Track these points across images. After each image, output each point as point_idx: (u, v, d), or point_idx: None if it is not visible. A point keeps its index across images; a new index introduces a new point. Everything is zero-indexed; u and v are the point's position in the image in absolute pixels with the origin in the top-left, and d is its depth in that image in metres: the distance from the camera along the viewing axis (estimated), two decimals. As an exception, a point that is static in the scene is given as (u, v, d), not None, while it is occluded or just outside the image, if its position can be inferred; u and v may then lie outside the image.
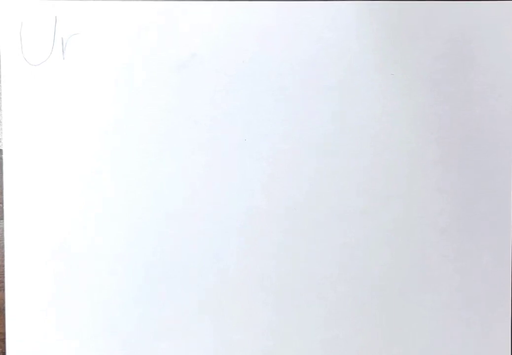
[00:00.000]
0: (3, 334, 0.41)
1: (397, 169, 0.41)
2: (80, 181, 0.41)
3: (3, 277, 0.41)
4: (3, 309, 0.41)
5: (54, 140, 0.41)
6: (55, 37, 0.41)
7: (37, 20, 0.41)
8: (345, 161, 0.41)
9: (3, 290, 0.41)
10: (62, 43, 0.41)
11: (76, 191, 0.41)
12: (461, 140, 0.42)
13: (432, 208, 0.41)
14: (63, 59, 0.41)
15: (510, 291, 0.41)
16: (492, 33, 0.41)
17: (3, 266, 0.41)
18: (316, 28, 0.41)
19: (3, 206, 0.41)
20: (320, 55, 0.41)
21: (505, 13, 0.41)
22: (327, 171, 0.41)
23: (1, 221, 0.41)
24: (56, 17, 0.41)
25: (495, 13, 0.41)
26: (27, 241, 0.41)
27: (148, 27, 0.41)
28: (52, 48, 0.41)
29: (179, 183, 0.41)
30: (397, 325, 0.42)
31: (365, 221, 0.41)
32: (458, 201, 0.41)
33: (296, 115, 0.41)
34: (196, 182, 0.41)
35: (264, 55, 0.41)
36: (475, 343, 0.42)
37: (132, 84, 0.41)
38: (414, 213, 0.41)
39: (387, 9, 0.41)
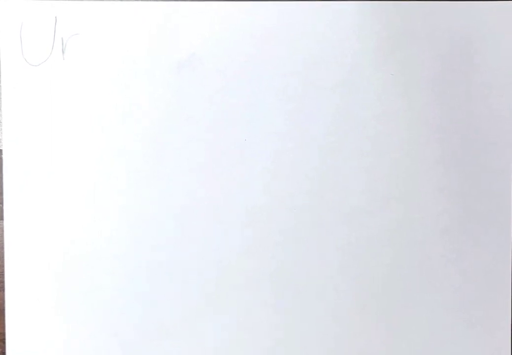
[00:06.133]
0: (3, 334, 0.41)
1: (398, 169, 0.41)
2: (79, 181, 0.41)
3: (3, 277, 0.41)
4: (3, 309, 0.41)
5: (54, 140, 0.41)
6: (55, 38, 0.41)
7: (37, 20, 0.41)
8: (346, 161, 0.41)
9: (3, 290, 0.41)
10: (62, 44, 0.41)
11: (76, 191, 0.41)
12: (461, 140, 0.42)
13: (433, 208, 0.41)
14: (63, 59, 0.41)
15: (510, 291, 0.41)
16: (492, 33, 0.41)
17: (3, 266, 0.41)
18: (317, 28, 0.41)
19: (3, 206, 0.41)
20: (321, 55, 0.41)
21: (506, 13, 0.41)
22: (328, 171, 0.41)
23: (1, 221, 0.41)
24: (56, 17, 0.41)
25: (495, 14, 0.41)
26: (27, 241, 0.41)
27: (148, 27, 0.41)
28: (52, 48, 0.41)
29: (180, 183, 0.41)
30: (398, 325, 0.41)
31: (366, 221, 0.41)
32: (459, 201, 0.41)
33: (297, 115, 0.41)
34: (197, 182, 0.41)
35: (266, 55, 0.41)
36: (475, 343, 0.42)
37: (132, 84, 0.41)
38: (414, 213, 0.41)
39: (388, 10, 0.41)
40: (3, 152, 0.41)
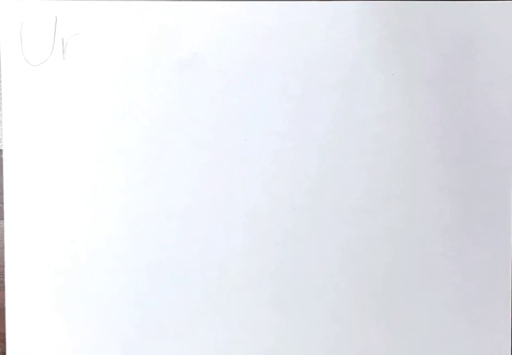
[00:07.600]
0: (3, 334, 0.41)
1: (399, 167, 0.41)
2: (80, 181, 0.41)
3: (3, 277, 0.41)
4: (3, 309, 0.41)
5: (54, 140, 0.41)
6: (55, 37, 0.41)
7: (37, 20, 0.41)
8: (347, 160, 0.41)
9: (3, 290, 0.41)
10: (63, 43, 0.41)
11: (76, 191, 0.41)
12: (462, 139, 0.41)
13: (433, 206, 0.41)
14: (63, 59, 0.41)
15: (510, 289, 0.41)
16: (493, 32, 0.41)
17: (3, 266, 0.41)
18: (318, 28, 0.41)
19: (3, 206, 0.41)
20: (322, 55, 0.41)
21: (506, 13, 0.41)
22: (329, 170, 0.41)
23: (1, 221, 0.41)
24: (56, 17, 0.41)
25: (496, 13, 0.41)
26: (27, 241, 0.41)
27: (148, 27, 0.41)
28: (52, 48, 0.41)
29: (180, 182, 0.41)
30: (398, 323, 0.41)
31: (366, 220, 0.41)
32: (459, 199, 0.41)
33: (298, 114, 0.41)
34: (197, 181, 0.41)
35: (267, 54, 0.41)
36: (476, 341, 0.41)
37: (133, 84, 0.41)
38: (415, 212, 0.41)
39: (388, 9, 0.41)
40: (3, 152, 0.41)
